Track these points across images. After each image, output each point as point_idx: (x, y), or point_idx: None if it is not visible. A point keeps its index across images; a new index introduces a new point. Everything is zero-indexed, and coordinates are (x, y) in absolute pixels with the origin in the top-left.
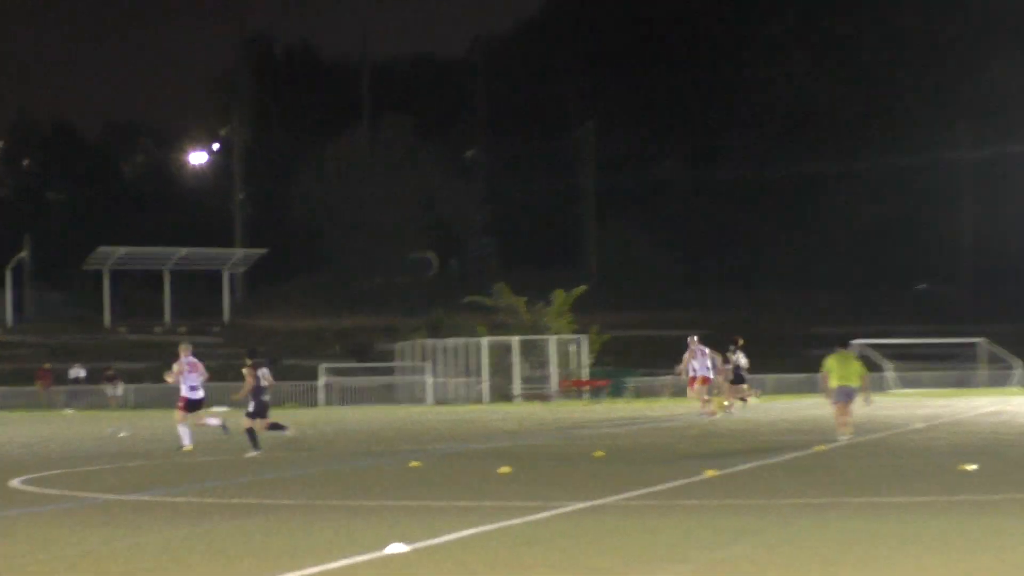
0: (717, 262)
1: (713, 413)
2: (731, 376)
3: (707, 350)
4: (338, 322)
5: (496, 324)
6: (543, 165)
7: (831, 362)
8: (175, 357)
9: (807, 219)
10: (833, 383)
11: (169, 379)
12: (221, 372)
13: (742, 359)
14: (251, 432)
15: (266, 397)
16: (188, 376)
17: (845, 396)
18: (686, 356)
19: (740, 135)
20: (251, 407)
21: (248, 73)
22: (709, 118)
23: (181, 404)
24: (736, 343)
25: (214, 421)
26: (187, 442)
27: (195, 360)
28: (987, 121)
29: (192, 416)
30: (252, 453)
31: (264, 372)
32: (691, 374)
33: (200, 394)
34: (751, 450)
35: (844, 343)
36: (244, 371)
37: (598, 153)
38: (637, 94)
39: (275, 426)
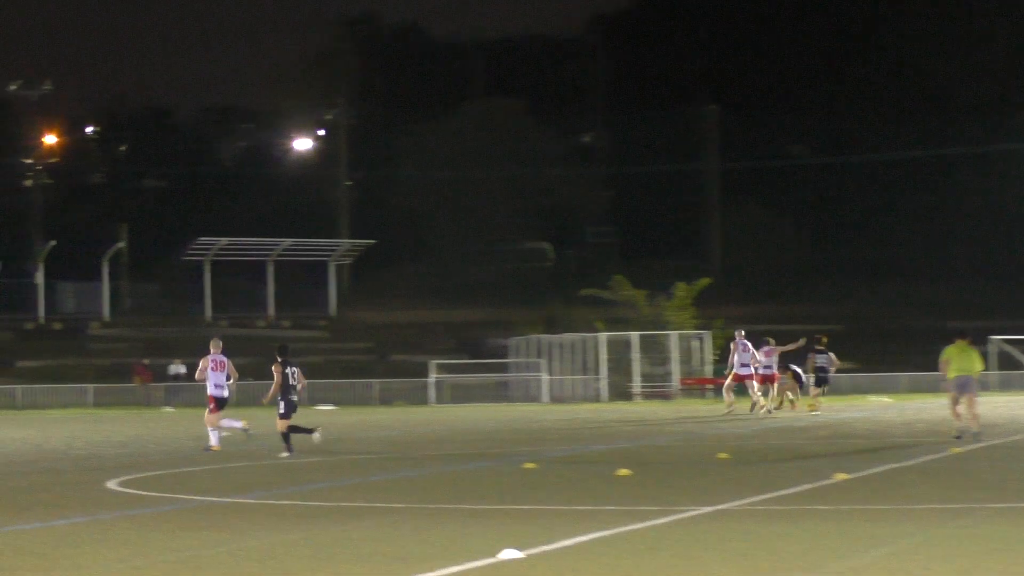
0: (848, 252)
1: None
2: (812, 377)
3: (749, 344)
4: (448, 315)
5: (614, 319)
6: (664, 149)
7: (950, 351)
8: (271, 354)
9: (944, 205)
10: (951, 373)
11: (197, 376)
12: (326, 370)
13: (825, 359)
14: (290, 431)
15: (294, 397)
16: (215, 374)
17: (962, 387)
18: (731, 349)
19: (873, 117)
20: (281, 408)
21: (353, 54)
22: (840, 98)
23: (211, 405)
24: (820, 342)
25: (235, 424)
26: (214, 442)
27: (223, 358)
28: None
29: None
30: (284, 455)
31: (294, 371)
32: (733, 370)
33: (226, 393)
34: (884, 452)
35: (963, 333)
36: (273, 369)
37: (722, 136)
38: (763, 73)
39: (297, 429)
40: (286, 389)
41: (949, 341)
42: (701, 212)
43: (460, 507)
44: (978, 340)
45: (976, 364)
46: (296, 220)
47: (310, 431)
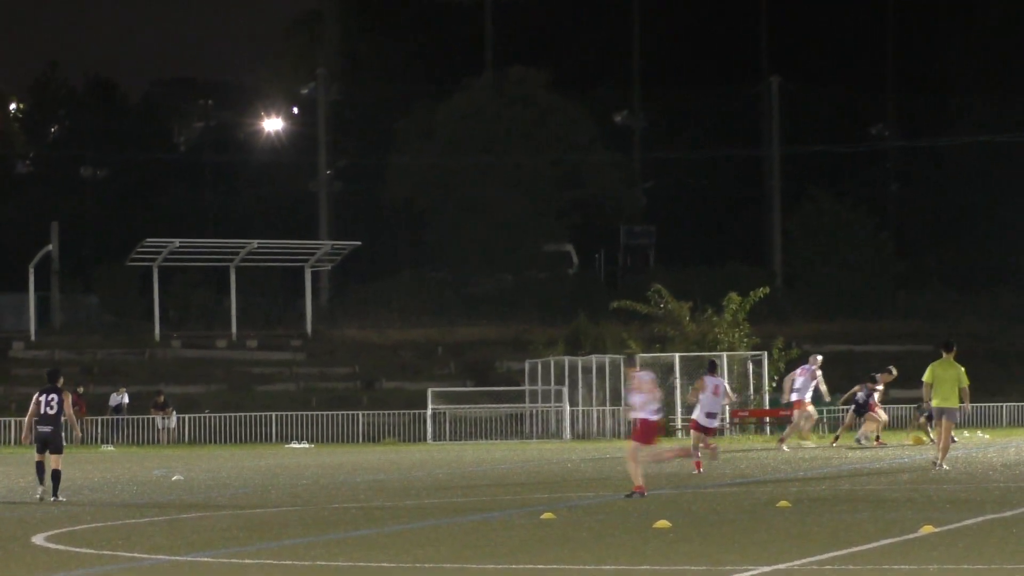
0: (941, 257)
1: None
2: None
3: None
4: (451, 333)
5: (653, 337)
6: (715, 131)
7: (935, 370)
8: (242, 378)
9: None
10: (935, 401)
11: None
12: (302, 399)
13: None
14: (40, 467)
15: (46, 428)
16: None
17: (942, 414)
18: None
19: (975, 88)
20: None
21: (337, 16)
22: (930, 68)
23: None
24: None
25: None
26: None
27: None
28: None
29: None
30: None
31: (53, 399)
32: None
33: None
34: (981, 500)
35: (948, 346)
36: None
37: (786, 115)
38: (836, 37)
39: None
40: (42, 419)
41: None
42: (759, 208)
43: (464, 567)
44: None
45: (962, 383)
46: (266, 218)
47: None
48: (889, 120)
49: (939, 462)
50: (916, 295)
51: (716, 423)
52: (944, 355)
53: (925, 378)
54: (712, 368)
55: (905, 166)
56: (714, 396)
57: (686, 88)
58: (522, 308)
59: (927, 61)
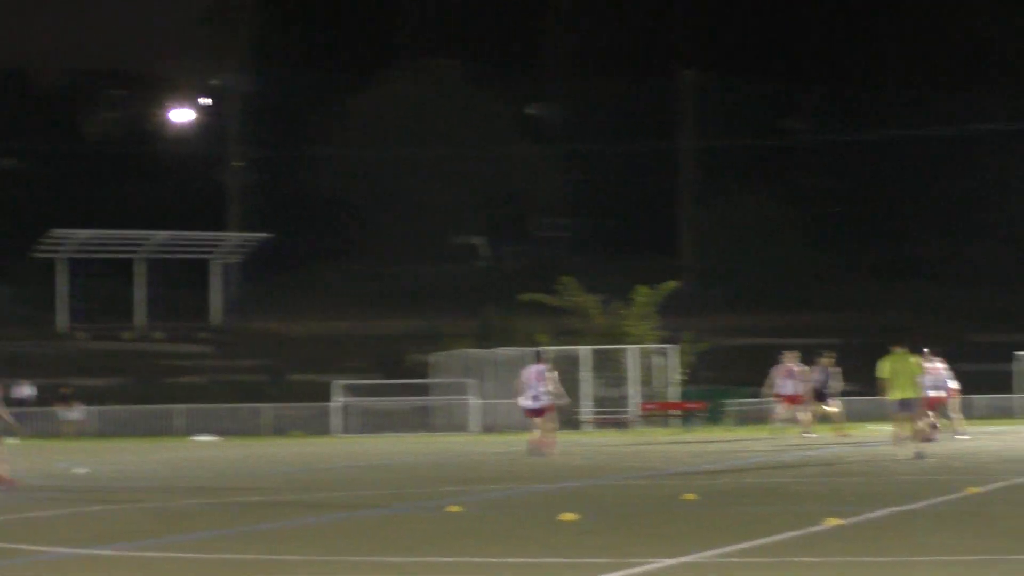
0: (854, 250)
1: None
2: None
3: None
4: (362, 327)
5: (562, 330)
6: (630, 125)
7: (889, 365)
8: (150, 370)
9: (972, 195)
10: (895, 395)
11: None
12: (210, 392)
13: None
14: None
15: None
16: None
17: (907, 407)
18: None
19: (890, 84)
20: None
21: (251, 7)
22: (847, 61)
23: None
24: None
25: None
26: None
27: None
28: None
29: None
30: None
31: None
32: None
33: None
34: (886, 492)
35: (901, 341)
36: None
37: (701, 109)
38: (753, 31)
39: None
40: None
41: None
42: (673, 200)
43: (369, 560)
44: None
45: (917, 376)
46: (176, 210)
47: None
48: (805, 113)
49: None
50: (828, 288)
51: (538, 404)
52: (896, 350)
53: (882, 373)
54: (537, 357)
55: (821, 160)
56: (536, 381)
57: (602, 81)
58: (433, 301)
59: (846, 54)
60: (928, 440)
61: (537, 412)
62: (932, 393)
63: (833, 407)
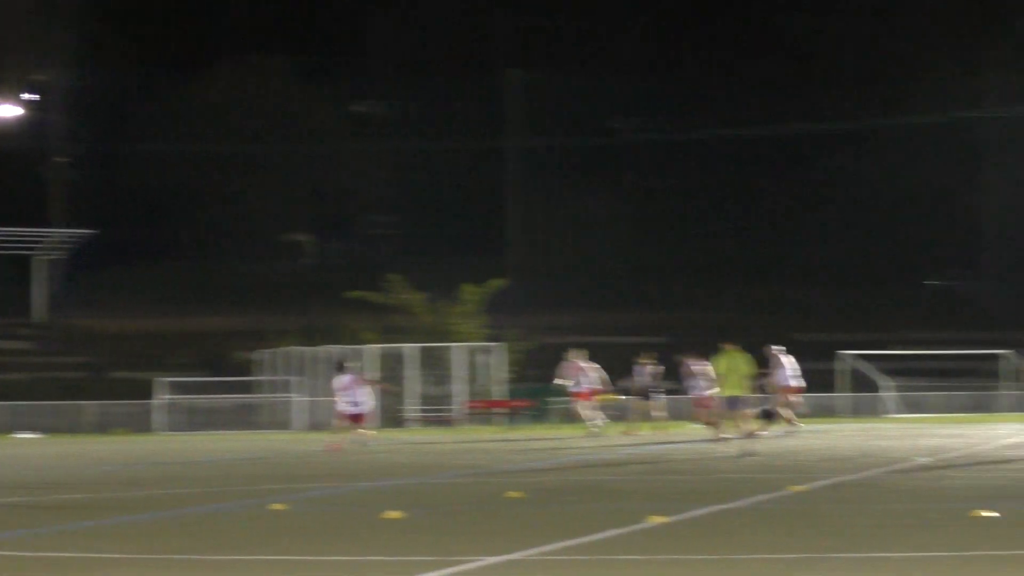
0: (677, 250)
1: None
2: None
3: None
4: (186, 323)
5: (388, 328)
6: (456, 123)
7: (723, 362)
8: None
9: (791, 195)
10: (727, 390)
11: None
12: (32, 389)
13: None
14: None
15: None
16: None
17: (734, 404)
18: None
19: (717, 84)
20: None
21: (77, 1)
22: (672, 63)
23: None
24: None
25: None
26: None
27: None
28: (1019, 71)
29: None
30: None
31: None
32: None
33: None
34: (709, 491)
35: (730, 339)
36: None
37: (528, 107)
38: (581, 30)
39: None
40: None
41: (817, 362)
42: (499, 199)
43: (192, 558)
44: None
45: (746, 373)
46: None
47: None
48: (627, 113)
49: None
50: (651, 286)
51: (358, 410)
52: (728, 347)
53: (718, 370)
54: (340, 368)
55: (647, 159)
56: (353, 386)
57: (429, 78)
58: (258, 298)
59: (664, 54)
60: (753, 437)
61: (357, 417)
62: (794, 383)
63: (652, 407)
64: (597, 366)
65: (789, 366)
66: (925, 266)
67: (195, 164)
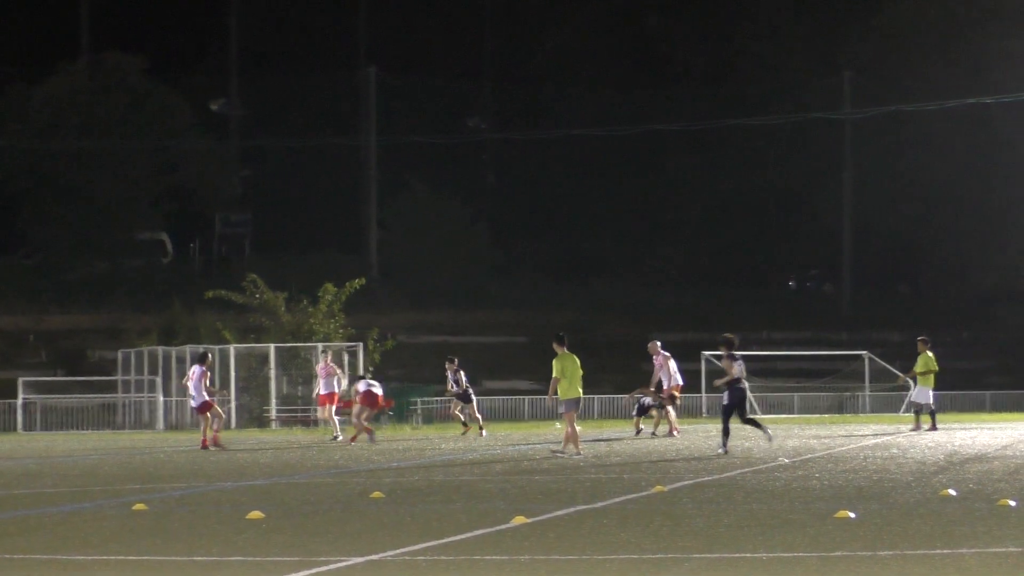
0: (538, 248)
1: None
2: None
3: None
4: (43, 321)
5: (248, 327)
6: (313, 121)
7: (563, 363)
8: None
9: (649, 195)
10: (571, 393)
11: None
12: None
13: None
14: None
15: None
16: None
17: (577, 405)
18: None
19: (571, 83)
20: None
21: None
22: (527, 62)
23: None
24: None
25: None
26: None
27: None
28: (876, 72)
29: None
30: None
31: None
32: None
33: None
34: (573, 492)
35: (562, 339)
36: None
37: (383, 105)
38: (435, 27)
39: None
40: None
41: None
42: (357, 197)
43: (55, 558)
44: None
45: (581, 374)
46: None
47: None
48: (486, 112)
49: (568, 450)
50: (510, 285)
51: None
52: (562, 348)
53: (556, 373)
54: (202, 359)
55: (502, 158)
56: (197, 381)
57: (285, 76)
58: (116, 297)
59: (523, 54)
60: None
61: (201, 409)
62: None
63: (458, 409)
64: (337, 368)
65: (675, 366)
66: (783, 268)
67: (48, 160)
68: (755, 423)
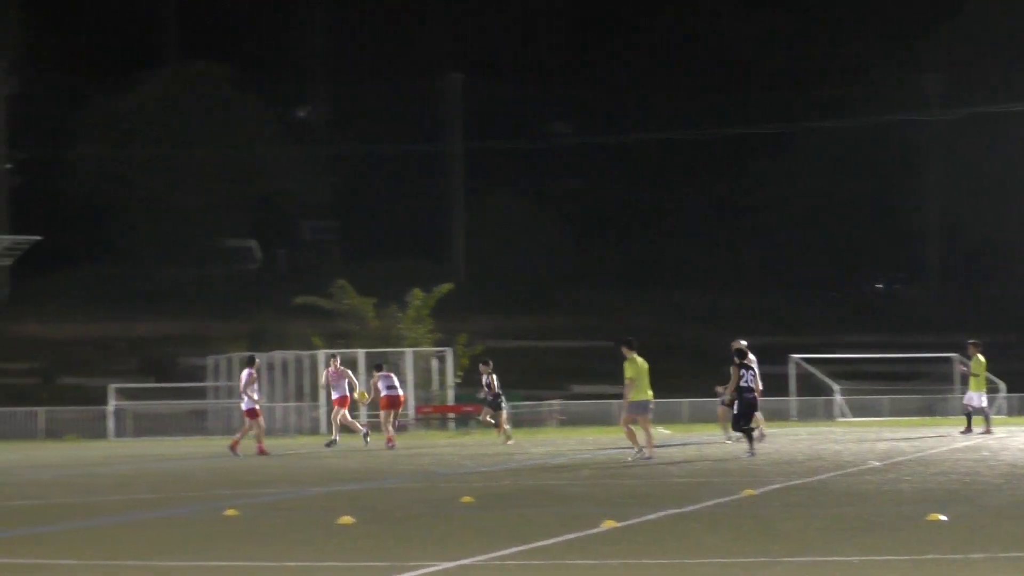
0: (621, 254)
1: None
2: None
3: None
4: (132, 329)
5: (336, 333)
6: (398, 127)
7: (636, 367)
8: None
9: (732, 199)
10: (641, 395)
11: None
12: None
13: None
14: None
15: None
16: None
17: (646, 410)
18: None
19: (652, 88)
20: None
21: (15, 5)
22: (609, 67)
23: None
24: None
25: None
26: None
27: None
28: (961, 73)
29: None
30: None
31: None
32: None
33: None
34: (661, 496)
35: (630, 344)
36: None
37: (468, 111)
38: (519, 35)
39: None
40: None
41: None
42: (443, 203)
43: (148, 564)
44: (778, 359)
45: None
46: None
47: None
48: (571, 115)
49: (646, 452)
50: (595, 292)
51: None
52: (631, 353)
53: (630, 374)
54: (250, 362)
55: (585, 163)
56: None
57: (370, 82)
58: (203, 304)
59: (608, 56)
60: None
61: (251, 413)
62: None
63: (488, 415)
64: (347, 371)
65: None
66: (866, 270)
67: (134, 169)
68: (749, 433)
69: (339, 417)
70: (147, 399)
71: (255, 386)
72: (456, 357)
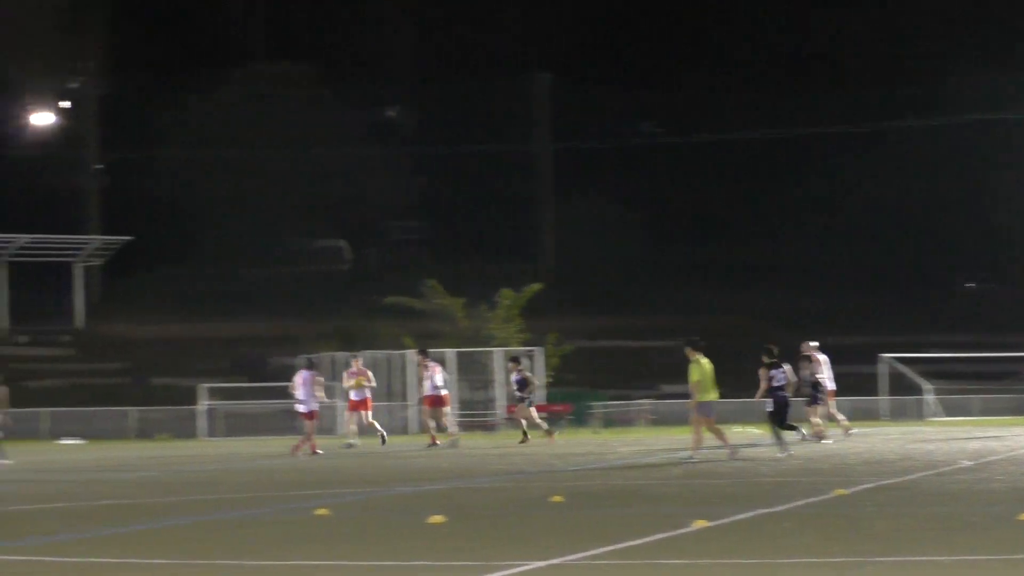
0: (708, 254)
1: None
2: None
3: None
4: (222, 329)
5: (426, 333)
6: (486, 127)
7: (702, 368)
8: (12, 374)
9: (820, 198)
10: (709, 395)
11: None
12: (72, 395)
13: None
14: None
15: None
16: None
17: (710, 412)
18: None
19: (738, 87)
20: None
21: (104, 6)
22: (698, 63)
23: None
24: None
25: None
26: None
27: None
28: None
29: None
30: None
31: None
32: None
33: None
34: (752, 495)
35: (695, 344)
36: None
37: (556, 111)
38: (605, 35)
39: None
40: None
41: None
42: (531, 203)
43: (238, 563)
44: (868, 359)
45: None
46: (36, 212)
47: None
48: (659, 115)
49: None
50: (682, 291)
51: (306, 408)
52: (696, 353)
53: (696, 377)
54: (310, 364)
55: (673, 162)
56: (303, 386)
57: (457, 83)
58: (293, 303)
59: (695, 55)
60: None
61: (308, 415)
62: (831, 386)
63: (524, 414)
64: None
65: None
66: (957, 269)
67: (224, 169)
68: (781, 433)
69: (368, 419)
70: (238, 399)
71: (314, 388)
72: (546, 356)
